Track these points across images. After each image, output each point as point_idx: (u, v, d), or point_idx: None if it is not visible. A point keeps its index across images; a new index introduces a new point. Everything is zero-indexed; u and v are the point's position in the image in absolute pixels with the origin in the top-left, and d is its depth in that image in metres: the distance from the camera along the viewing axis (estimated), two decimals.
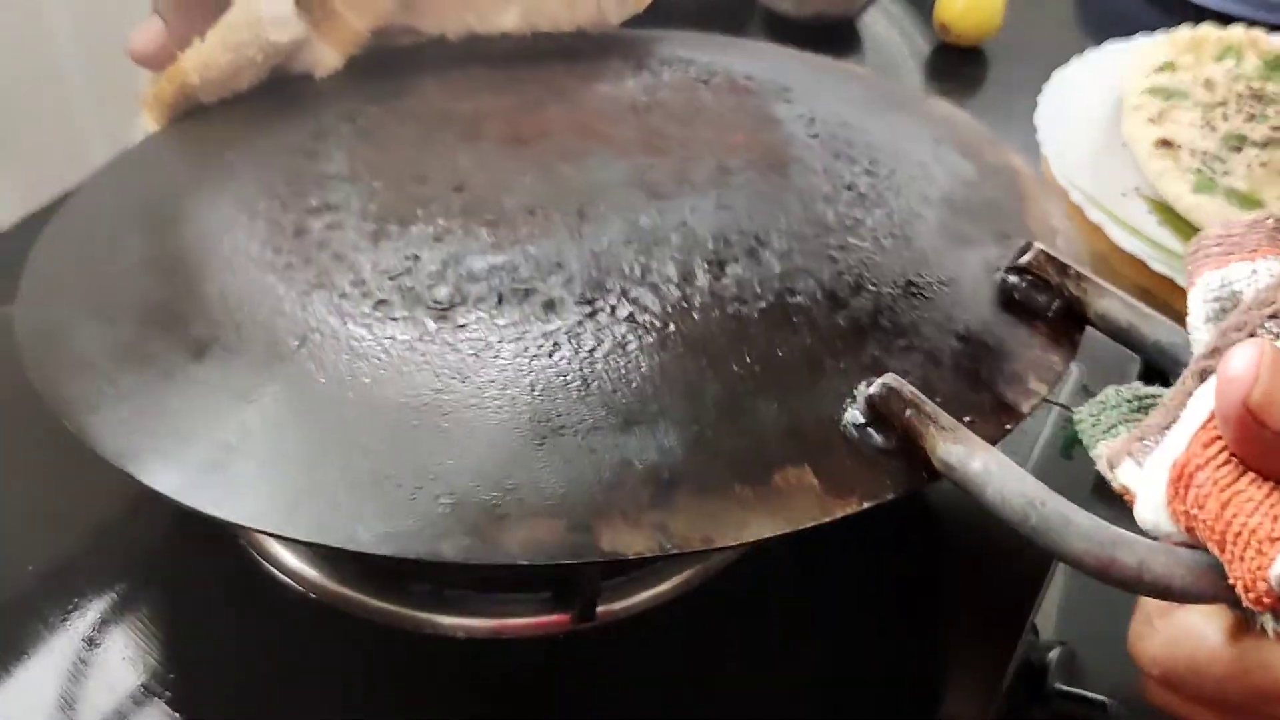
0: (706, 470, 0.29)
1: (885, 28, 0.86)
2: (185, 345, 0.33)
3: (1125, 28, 0.73)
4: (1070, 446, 0.32)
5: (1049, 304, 0.36)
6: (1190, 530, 0.26)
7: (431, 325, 0.32)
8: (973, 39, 0.80)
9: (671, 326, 0.32)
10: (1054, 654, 0.39)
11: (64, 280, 0.37)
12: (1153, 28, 0.72)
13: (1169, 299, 0.50)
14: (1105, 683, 0.39)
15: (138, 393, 0.32)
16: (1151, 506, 0.27)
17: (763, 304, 0.33)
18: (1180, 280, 0.49)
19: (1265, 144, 0.59)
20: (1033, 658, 0.39)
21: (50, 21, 0.61)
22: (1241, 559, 0.25)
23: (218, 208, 0.38)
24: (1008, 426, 0.32)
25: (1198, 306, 0.31)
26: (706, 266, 0.34)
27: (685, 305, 0.33)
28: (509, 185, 0.38)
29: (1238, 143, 0.60)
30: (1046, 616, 0.42)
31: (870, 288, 0.35)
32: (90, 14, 0.62)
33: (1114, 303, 0.35)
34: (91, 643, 0.37)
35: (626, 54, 0.49)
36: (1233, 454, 0.25)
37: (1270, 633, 0.26)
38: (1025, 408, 0.32)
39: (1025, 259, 0.36)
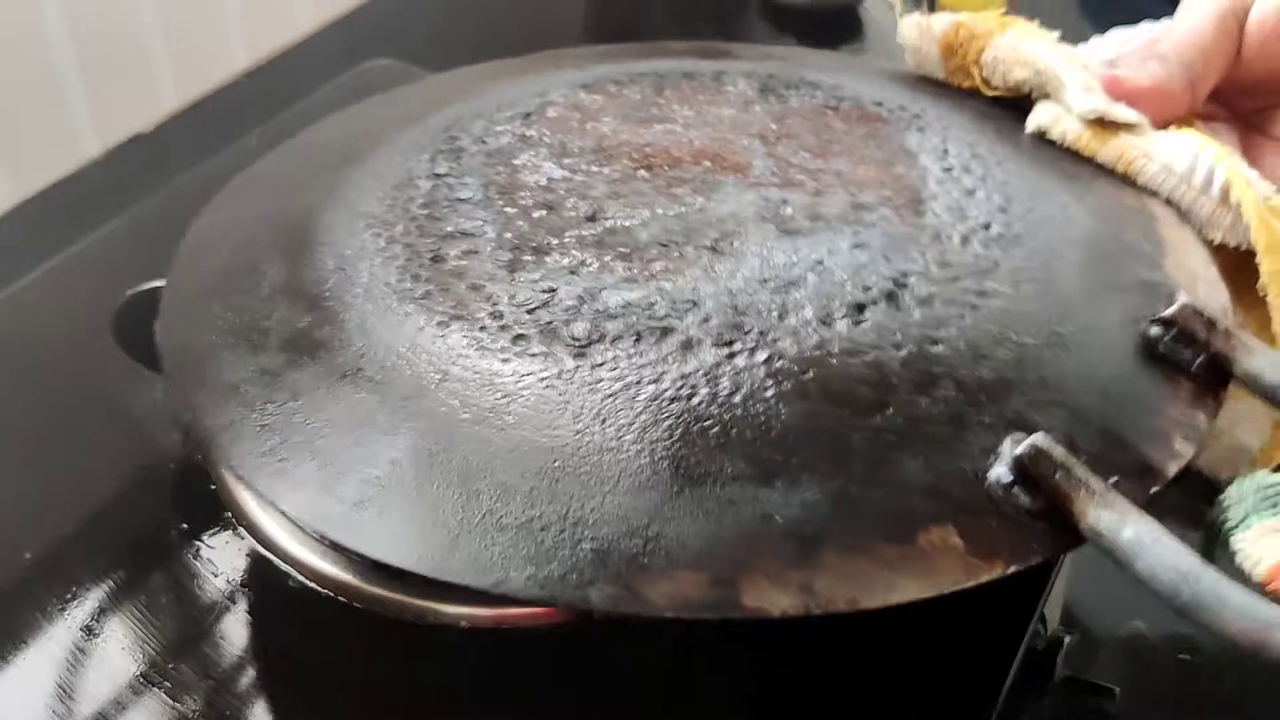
0: (850, 528, 0.29)
1: (886, 15, 0.84)
2: (329, 374, 0.34)
3: (1128, 15, 0.71)
4: (1211, 545, 0.32)
5: (1194, 359, 0.35)
6: None
7: (570, 363, 0.33)
8: None
9: (811, 374, 0.32)
10: (1062, 642, 0.38)
11: (204, 303, 0.38)
12: (1156, 15, 0.70)
13: None
14: (1114, 671, 0.38)
15: (283, 423, 0.33)
16: None
17: (904, 353, 0.33)
18: None
19: None
20: (1040, 647, 0.38)
21: (41, 8, 0.59)
22: None
23: (354, 232, 0.39)
24: (1153, 490, 0.31)
25: None
26: (845, 310, 0.34)
27: (824, 351, 0.33)
28: (641, 216, 0.38)
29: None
30: (1054, 605, 0.41)
31: (1012, 337, 0.34)
32: (82, 1, 0.61)
33: (1264, 361, 0.34)
34: (90, 631, 0.37)
35: (750, 75, 0.48)
36: None
37: None
38: (1171, 470, 0.32)
39: (1171, 312, 0.35)
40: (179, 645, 0.37)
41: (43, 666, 0.36)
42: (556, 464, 0.30)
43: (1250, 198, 0.39)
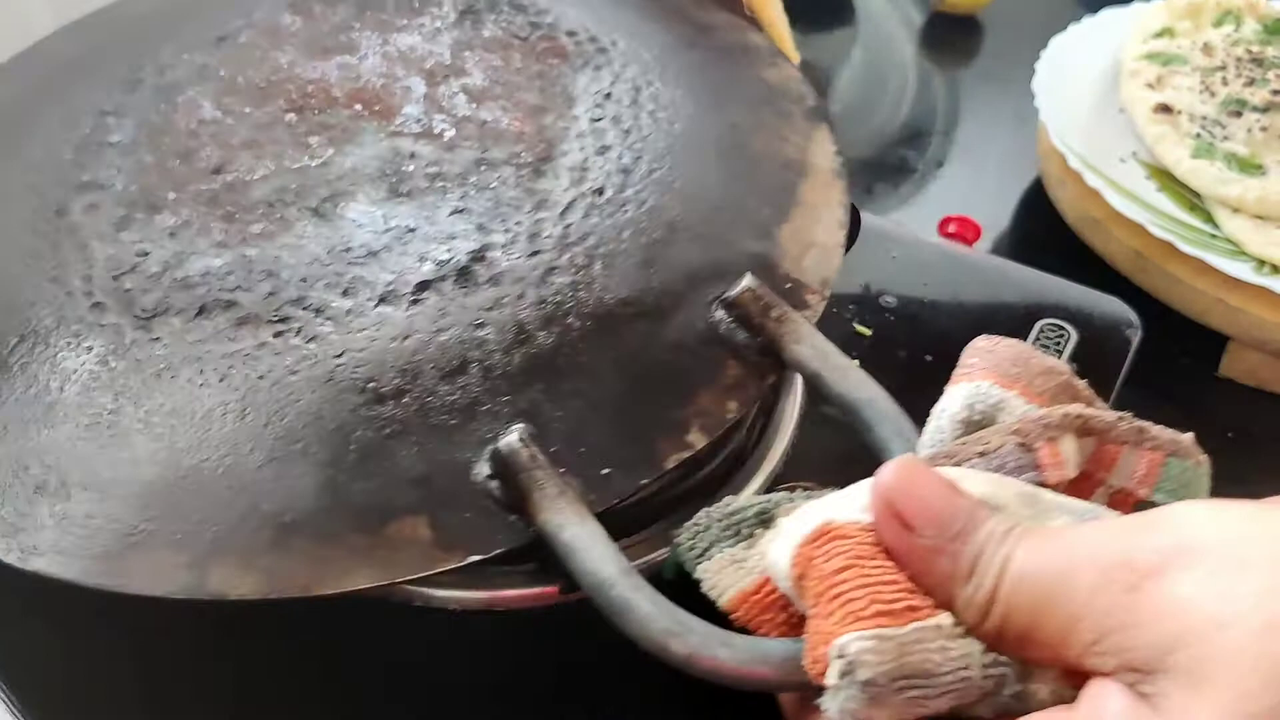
0: (328, 517, 0.32)
1: None
2: None
3: None
4: (674, 569, 0.32)
5: (749, 343, 0.36)
6: (800, 578, 0.28)
7: (129, 336, 0.35)
8: (968, 7, 0.80)
9: (345, 357, 0.34)
10: None
11: None
12: None
13: (1164, 263, 0.51)
14: None
15: None
16: (785, 544, 0.29)
17: (445, 337, 0.35)
18: (1179, 244, 0.50)
19: (1265, 108, 0.60)
20: None
21: (32, 7, 0.62)
22: (827, 616, 0.27)
23: (8, 170, 0.41)
24: (643, 482, 0.33)
25: (956, 405, 0.32)
26: (411, 289, 0.36)
27: (366, 336, 0.35)
28: (264, 170, 0.40)
29: (1237, 107, 0.60)
30: None
31: (564, 320, 0.35)
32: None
33: (807, 350, 0.35)
34: None
35: None
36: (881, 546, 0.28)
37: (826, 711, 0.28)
38: (669, 464, 0.33)
39: (734, 294, 0.36)
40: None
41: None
42: (82, 439, 0.33)
43: None
